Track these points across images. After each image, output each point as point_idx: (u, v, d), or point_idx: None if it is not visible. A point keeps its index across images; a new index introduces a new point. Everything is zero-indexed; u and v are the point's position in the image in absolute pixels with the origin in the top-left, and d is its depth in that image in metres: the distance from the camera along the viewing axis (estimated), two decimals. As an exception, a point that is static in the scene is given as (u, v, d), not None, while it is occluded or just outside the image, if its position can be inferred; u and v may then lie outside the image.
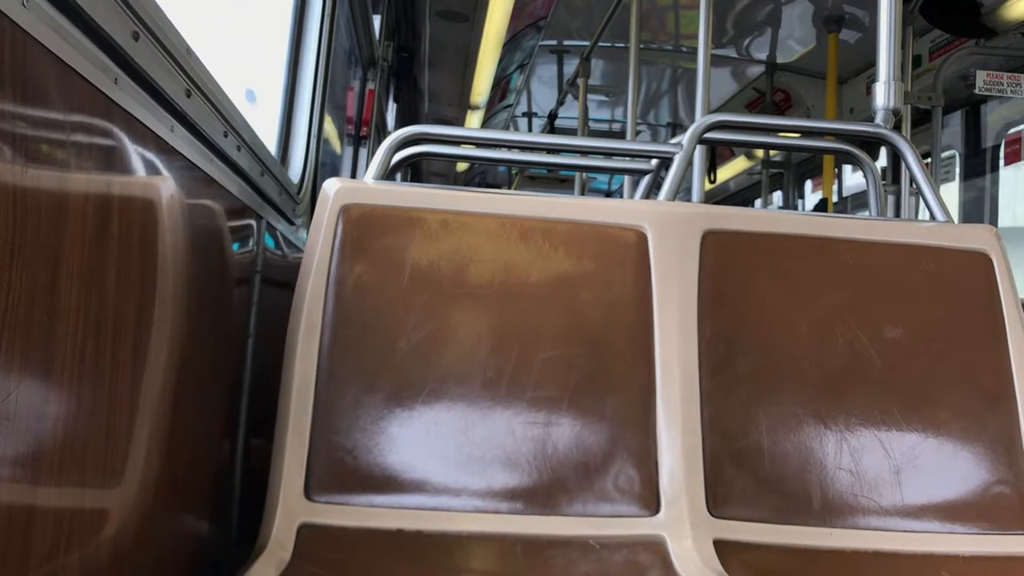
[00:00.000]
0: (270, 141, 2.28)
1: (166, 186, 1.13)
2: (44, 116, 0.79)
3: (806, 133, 2.40)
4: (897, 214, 3.82)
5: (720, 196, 7.84)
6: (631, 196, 4.12)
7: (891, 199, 3.83)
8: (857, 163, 2.12)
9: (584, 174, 6.13)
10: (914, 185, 2.09)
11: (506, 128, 7.83)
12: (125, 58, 0.95)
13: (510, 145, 2.64)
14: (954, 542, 1.54)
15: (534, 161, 2.56)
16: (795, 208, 6.42)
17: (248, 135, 1.52)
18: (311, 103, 2.38)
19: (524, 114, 7.56)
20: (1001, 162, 4.70)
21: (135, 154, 1.01)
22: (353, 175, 4.19)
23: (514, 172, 8.92)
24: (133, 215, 1.02)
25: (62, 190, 0.83)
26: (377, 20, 4.05)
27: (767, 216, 1.81)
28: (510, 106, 7.27)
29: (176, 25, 1.09)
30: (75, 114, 0.85)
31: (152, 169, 1.08)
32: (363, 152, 4.22)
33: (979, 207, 4.78)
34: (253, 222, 1.69)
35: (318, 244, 1.62)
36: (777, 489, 1.57)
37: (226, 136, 1.38)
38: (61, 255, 0.83)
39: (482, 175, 9.91)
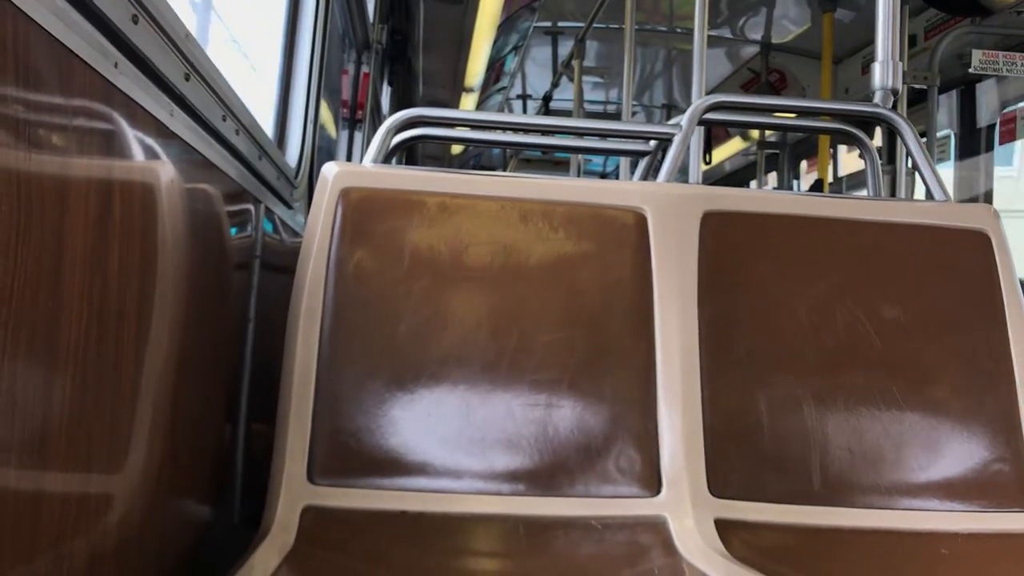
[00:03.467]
0: (266, 125, 2.27)
1: (166, 170, 1.12)
2: (47, 100, 0.78)
3: (805, 113, 2.40)
4: (893, 194, 3.83)
5: (715, 177, 7.83)
6: (628, 178, 4.12)
7: (887, 179, 3.83)
8: (855, 143, 2.12)
9: (580, 156, 6.12)
10: (911, 165, 2.08)
11: (501, 111, 7.80)
12: (125, 42, 0.94)
13: (507, 127, 2.62)
14: (953, 520, 1.55)
15: (533, 143, 2.54)
16: (791, 189, 6.42)
17: (246, 119, 1.51)
18: (307, 87, 2.37)
19: (519, 96, 7.53)
20: (996, 141, 4.70)
21: (135, 138, 1.01)
22: (349, 159, 4.17)
23: (509, 155, 8.90)
24: (134, 200, 1.02)
25: (64, 175, 0.83)
26: (371, 2, 4.03)
27: (767, 197, 1.81)
28: (505, 88, 7.24)
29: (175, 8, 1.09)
30: (76, 98, 0.85)
31: (152, 153, 1.07)
32: (358, 136, 4.21)
33: (974, 186, 4.79)
34: (252, 206, 1.69)
35: (317, 228, 1.62)
36: (777, 468, 1.58)
37: (224, 120, 1.37)
38: (64, 240, 0.83)
39: (476, 157, 9.88)
